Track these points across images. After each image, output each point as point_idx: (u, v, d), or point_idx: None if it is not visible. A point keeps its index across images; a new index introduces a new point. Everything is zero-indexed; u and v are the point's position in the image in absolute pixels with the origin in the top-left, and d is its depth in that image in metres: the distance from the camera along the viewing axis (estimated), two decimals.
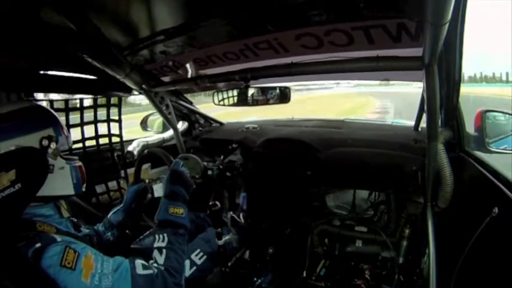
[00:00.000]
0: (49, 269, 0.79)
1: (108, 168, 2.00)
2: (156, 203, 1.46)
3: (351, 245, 1.96)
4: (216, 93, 1.68)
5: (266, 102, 1.57)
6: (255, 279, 1.70)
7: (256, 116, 3.08)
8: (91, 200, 1.88)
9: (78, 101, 1.82)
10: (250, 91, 1.53)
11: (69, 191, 1.02)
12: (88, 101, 1.88)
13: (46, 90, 1.57)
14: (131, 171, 1.94)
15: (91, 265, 0.83)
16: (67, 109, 1.73)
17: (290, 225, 2.09)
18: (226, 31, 1.18)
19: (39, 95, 1.68)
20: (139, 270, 0.88)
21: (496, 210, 1.05)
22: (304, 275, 1.92)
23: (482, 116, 1.50)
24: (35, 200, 0.91)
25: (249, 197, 2.12)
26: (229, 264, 1.56)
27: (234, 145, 2.08)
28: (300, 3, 0.95)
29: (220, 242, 1.53)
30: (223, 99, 1.66)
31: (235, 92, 1.60)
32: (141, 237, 1.45)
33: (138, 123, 2.53)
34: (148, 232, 1.40)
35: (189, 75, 1.68)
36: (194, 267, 1.40)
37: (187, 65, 1.59)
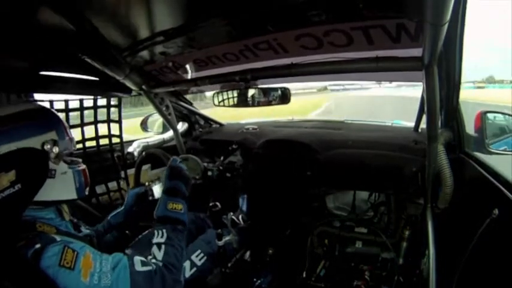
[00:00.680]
0: (48, 269, 0.78)
1: (108, 169, 2.00)
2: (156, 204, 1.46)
3: (351, 246, 1.95)
4: (216, 94, 1.68)
5: (266, 103, 1.57)
6: (255, 279, 1.70)
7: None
8: (91, 200, 1.89)
9: (78, 101, 1.82)
10: (251, 92, 1.54)
11: (72, 195, 1.01)
12: (88, 101, 1.89)
13: (46, 90, 1.57)
14: (131, 172, 1.94)
15: (90, 264, 0.83)
16: (67, 110, 1.73)
17: (290, 226, 2.08)
18: (226, 32, 1.18)
19: (39, 96, 1.68)
20: (138, 267, 0.88)
21: (496, 211, 1.05)
22: (304, 275, 1.92)
23: (482, 117, 1.50)
24: (36, 204, 0.91)
25: (249, 198, 2.12)
26: (229, 265, 1.56)
27: (234, 146, 2.08)
28: (300, 3, 0.95)
29: (221, 243, 1.53)
30: (223, 100, 1.67)
31: (235, 93, 1.60)
32: (140, 236, 1.45)
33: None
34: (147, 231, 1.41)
35: (189, 76, 1.68)
36: (194, 268, 1.40)
37: (187, 66, 1.59)
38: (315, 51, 1.19)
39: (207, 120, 2.58)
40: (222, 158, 2.02)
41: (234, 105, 1.63)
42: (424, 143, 1.35)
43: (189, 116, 2.46)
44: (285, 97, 1.57)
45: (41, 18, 0.96)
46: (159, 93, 1.89)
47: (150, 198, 1.47)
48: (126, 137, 2.15)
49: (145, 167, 1.98)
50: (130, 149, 2.11)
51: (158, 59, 1.48)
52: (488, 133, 1.48)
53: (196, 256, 1.44)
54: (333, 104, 18.83)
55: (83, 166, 1.07)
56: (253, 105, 1.57)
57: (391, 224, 1.86)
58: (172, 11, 1.06)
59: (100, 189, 1.96)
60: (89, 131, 1.92)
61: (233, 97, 1.63)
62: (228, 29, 1.15)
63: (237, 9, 1.01)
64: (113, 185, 2.03)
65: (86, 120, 1.88)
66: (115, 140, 2.06)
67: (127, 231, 1.46)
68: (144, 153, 1.44)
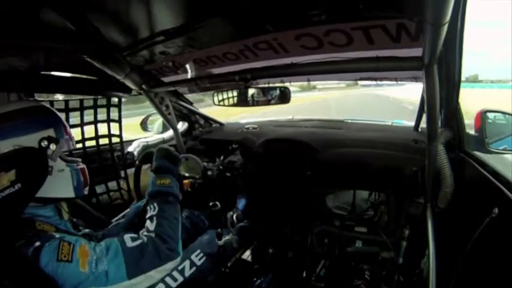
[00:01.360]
0: (47, 267, 0.79)
1: (108, 169, 2.00)
2: None
3: (351, 245, 1.95)
4: (216, 94, 1.68)
5: (266, 102, 1.57)
6: (255, 279, 1.70)
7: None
8: (91, 200, 1.89)
9: (78, 101, 1.82)
10: (250, 91, 1.54)
11: (69, 193, 1.01)
12: (88, 101, 1.88)
13: (46, 90, 1.58)
14: (131, 171, 1.94)
15: (86, 252, 0.85)
16: (67, 109, 1.73)
17: (290, 225, 2.09)
18: (226, 31, 1.18)
19: (39, 96, 1.68)
20: (129, 243, 0.90)
21: (496, 210, 1.05)
22: (304, 275, 1.92)
23: (482, 117, 1.50)
24: (35, 201, 0.91)
25: (249, 198, 2.12)
26: (229, 264, 1.56)
27: (234, 145, 2.08)
28: (300, 3, 0.95)
29: (221, 242, 1.53)
30: (223, 99, 1.67)
31: (235, 93, 1.60)
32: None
33: None
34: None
35: (189, 76, 1.68)
36: (194, 268, 1.40)
37: (187, 66, 1.59)
38: (315, 51, 1.19)
39: (207, 119, 2.58)
40: (222, 157, 2.02)
41: (234, 105, 1.63)
42: (424, 142, 1.35)
43: (189, 115, 2.46)
44: (284, 97, 1.58)
45: (41, 18, 0.96)
46: (159, 93, 1.89)
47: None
48: (126, 136, 2.15)
49: (145, 167, 1.98)
50: (130, 149, 2.11)
51: (158, 59, 1.48)
52: (488, 132, 1.48)
53: (196, 256, 1.45)
54: (333, 100, 19.06)
55: (82, 165, 1.07)
56: (253, 105, 1.57)
57: (391, 223, 1.86)
58: (173, 10, 1.06)
59: (100, 188, 1.96)
60: (89, 131, 1.92)
61: (233, 96, 1.64)
62: (228, 28, 1.16)
63: (237, 9, 1.01)
64: (112, 184, 2.03)
65: (85, 119, 1.88)
66: (115, 139, 2.06)
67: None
68: (144, 152, 1.44)
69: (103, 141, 1.99)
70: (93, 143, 1.94)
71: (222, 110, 2.08)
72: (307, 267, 1.96)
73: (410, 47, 1.04)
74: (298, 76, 1.30)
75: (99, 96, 1.89)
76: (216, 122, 2.63)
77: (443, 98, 1.33)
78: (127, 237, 0.92)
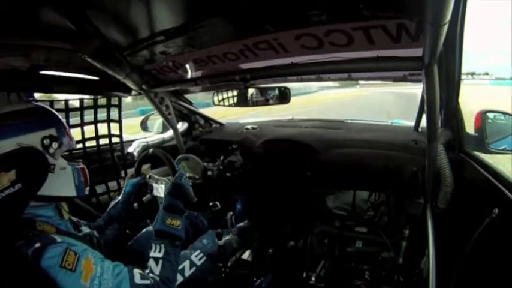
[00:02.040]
0: (49, 269, 0.79)
1: (108, 169, 2.00)
2: (155, 202, 1.46)
3: (351, 245, 1.96)
4: (215, 94, 1.68)
5: (266, 102, 1.57)
6: (255, 279, 1.71)
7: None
8: (91, 200, 1.88)
9: (78, 101, 1.82)
10: (250, 91, 1.54)
11: (71, 192, 1.02)
12: (88, 101, 1.88)
13: (46, 90, 1.57)
14: (131, 171, 1.94)
15: (91, 268, 0.84)
16: (67, 109, 1.73)
17: (290, 225, 2.09)
18: (226, 31, 1.18)
19: (39, 95, 1.68)
20: (138, 280, 0.91)
21: (496, 211, 1.05)
22: (304, 275, 1.92)
23: (482, 117, 1.50)
24: (36, 199, 0.91)
25: (249, 198, 2.12)
26: (229, 264, 1.56)
27: (234, 146, 2.08)
28: (300, 3, 0.95)
29: (221, 243, 1.53)
30: (223, 99, 1.67)
31: (235, 93, 1.60)
32: (138, 235, 1.45)
33: None
34: (144, 230, 1.41)
35: (189, 76, 1.68)
36: (194, 268, 1.40)
37: (187, 66, 1.59)
38: (315, 51, 1.19)
39: (207, 119, 2.58)
40: (222, 157, 2.02)
41: (234, 105, 1.63)
42: (424, 142, 1.35)
43: (189, 115, 2.46)
44: (284, 97, 1.58)
45: (41, 18, 0.96)
46: (159, 93, 1.89)
47: (149, 193, 1.48)
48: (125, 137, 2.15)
49: (145, 167, 1.98)
50: (130, 149, 2.11)
51: (158, 59, 1.48)
52: (488, 132, 1.48)
53: (196, 256, 1.45)
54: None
55: (82, 166, 1.08)
56: (252, 105, 1.57)
57: (391, 223, 1.86)
58: (173, 10, 1.06)
59: (100, 188, 1.96)
60: (89, 131, 1.92)
61: (233, 96, 1.63)
62: (229, 28, 1.16)
63: (237, 9, 1.01)
64: (112, 184, 2.03)
65: (85, 119, 1.87)
66: (115, 139, 2.05)
67: (127, 231, 1.46)
68: (150, 150, 1.43)
69: (103, 141, 1.99)
70: (93, 143, 1.93)
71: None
72: (307, 267, 1.95)
73: (410, 47, 1.04)
74: (298, 76, 1.30)
75: (99, 96, 1.89)
76: (216, 122, 2.63)
77: (443, 98, 1.33)
78: (136, 272, 0.92)
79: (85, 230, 1.17)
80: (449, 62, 1.19)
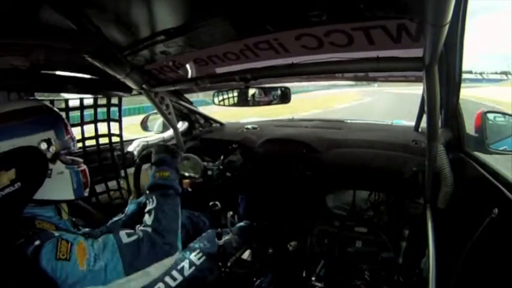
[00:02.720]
0: (47, 265, 0.79)
1: (108, 168, 2.00)
2: None
3: (351, 245, 1.96)
4: (216, 94, 1.68)
5: (266, 102, 1.57)
6: (255, 279, 1.70)
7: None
8: (91, 199, 1.89)
9: (78, 100, 1.82)
10: (251, 91, 1.53)
11: (69, 195, 1.01)
12: (88, 100, 1.88)
13: (46, 90, 1.58)
14: (131, 171, 1.94)
15: (84, 250, 0.85)
16: (67, 109, 1.73)
17: (290, 225, 2.09)
18: (226, 31, 1.18)
19: (40, 95, 1.67)
20: (125, 239, 0.90)
21: (496, 211, 1.05)
22: (304, 275, 1.92)
23: (482, 117, 1.50)
24: (33, 202, 0.91)
25: (249, 198, 2.12)
26: (229, 264, 1.56)
27: (234, 145, 2.08)
28: (300, 4, 0.95)
29: (220, 242, 1.53)
30: (223, 99, 1.66)
31: (235, 93, 1.60)
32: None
33: None
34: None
35: (189, 76, 1.68)
36: (193, 268, 1.40)
37: (188, 65, 1.59)
38: (315, 51, 1.19)
39: (207, 119, 2.58)
40: (222, 157, 2.02)
41: (234, 105, 1.63)
42: (424, 142, 1.36)
43: (189, 115, 2.46)
44: (285, 96, 1.57)
45: (42, 17, 0.96)
46: (159, 92, 1.89)
47: None
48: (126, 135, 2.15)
49: (145, 166, 1.98)
50: (130, 148, 2.11)
51: (159, 58, 1.48)
52: (488, 133, 1.48)
53: (196, 255, 1.45)
54: None
55: (83, 167, 1.06)
56: (253, 105, 1.57)
57: (391, 223, 1.87)
58: (174, 10, 1.06)
59: (100, 188, 1.96)
60: (89, 131, 1.92)
61: (233, 96, 1.63)
62: (229, 28, 1.16)
63: (237, 8, 1.01)
64: (112, 184, 2.03)
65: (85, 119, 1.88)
66: (115, 139, 2.06)
67: None
68: (146, 151, 1.43)
69: (103, 140, 1.99)
70: (93, 142, 1.94)
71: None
72: (307, 267, 1.96)
73: (410, 47, 1.04)
74: (298, 76, 1.30)
75: (99, 96, 1.89)
76: (216, 121, 2.63)
77: (443, 98, 1.33)
78: (123, 233, 0.91)
79: (84, 229, 1.17)
80: (449, 62, 1.19)
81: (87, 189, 1.08)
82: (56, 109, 1.05)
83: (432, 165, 1.36)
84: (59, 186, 0.98)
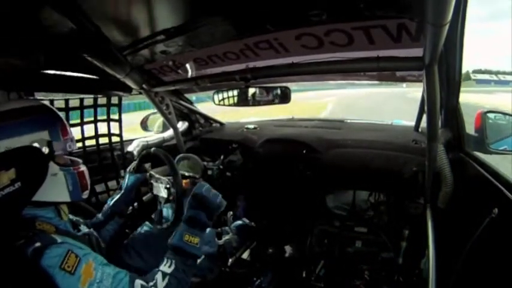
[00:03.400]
0: (48, 268, 0.78)
1: (107, 168, 2.00)
2: (154, 201, 1.46)
3: (351, 245, 1.96)
4: (216, 93, 1.68)
5: (266, 102, 1.57)
6: (255, 279, 1.70)
7: None
8: (90, 199, 1.88)
9: (78, 100, 1.81)
10: (251, 91, 1.53)
11: (65, 197, 0.98)
12: (88, 100, 1.88)
13: (46, 90, 1.57)
14: None
15: (91, 273, 0.82)
16: (67, 108, 1.73)
17: (290, 225, 2.09)
18: (226, 31, 1.18)
19: (39, 95, 1.67)
20: None
21: (495, 211, 1.05)
22: (304, 275, 1.92)
23: (482, 117, 1.50)
24: (32, 204, 0.90)
25: (249, 197, 2.12)
26: (229, 264, 1.56)
27: (234, 145, 2.09)
28: (300, 3, 0.95)
29: (220, 242, 1.53)
30: (223, 99, 1.66)
31: (235, 92, 1.60)
32: (135, 232, 1.44)
33: None
34: (143, 230, 1.39)
35: (190, 75, 1.68)
36: None
37: (188, 65, 1.59)
38: (315, 50, 1.19)
39: (207, 119, 2.58)
40: (222, 157, 2.03)
41: (234, 105, 1.63)
42: (424, 142, 1.36)
43: (189, 115, 2.46)
44: (285, 96, 1.57)
45: (41, 17, 0.96)
46: (159, 92, 1.89)
47: (149, 191, 1.47)
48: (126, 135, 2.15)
49: (145, 166, 1.99)
50: (130, 148, 2.11)
51: (159, 58, 1.48)
52: (488, 133, 1.47)
53: None
54: None
55: (82, 168, 1.04)
56: (253, 105, 1.57)
57: (391, 223, 1.87)
58: (174, 10, 1.06)
59: (99, 188, 1.96)
60: (89, 131, 1.92)
61: (233, 96, 1.63)
62: (229, 28, 1.15)
63: (237, 8, 1.01)
64: (112, 184, 2.03)
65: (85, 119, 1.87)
66: (115, 139, 2.05)
67: (126, 230, 1.46)
68: (152, 150, 1.43)
69: (103, 140, 1.99)
70: (93, 142, 1.93)
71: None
72: (307, 267, 1.96)
73: (411, 47, 1.04)
74: (299, 76, 1.30)
75: (99, 96, 1.89)
76: (216, 121, 2.63)
77: (443, 98, 1.33)
78: (138, 283, 0.89)
79: (84, 229, 1.16)
80: (449, 62, 1.19)
81: (86, 192, 1.05)
82: (54, 109, 1.04)
83: (432, 165, 1.36)
84: (53, 188, 0.95)
